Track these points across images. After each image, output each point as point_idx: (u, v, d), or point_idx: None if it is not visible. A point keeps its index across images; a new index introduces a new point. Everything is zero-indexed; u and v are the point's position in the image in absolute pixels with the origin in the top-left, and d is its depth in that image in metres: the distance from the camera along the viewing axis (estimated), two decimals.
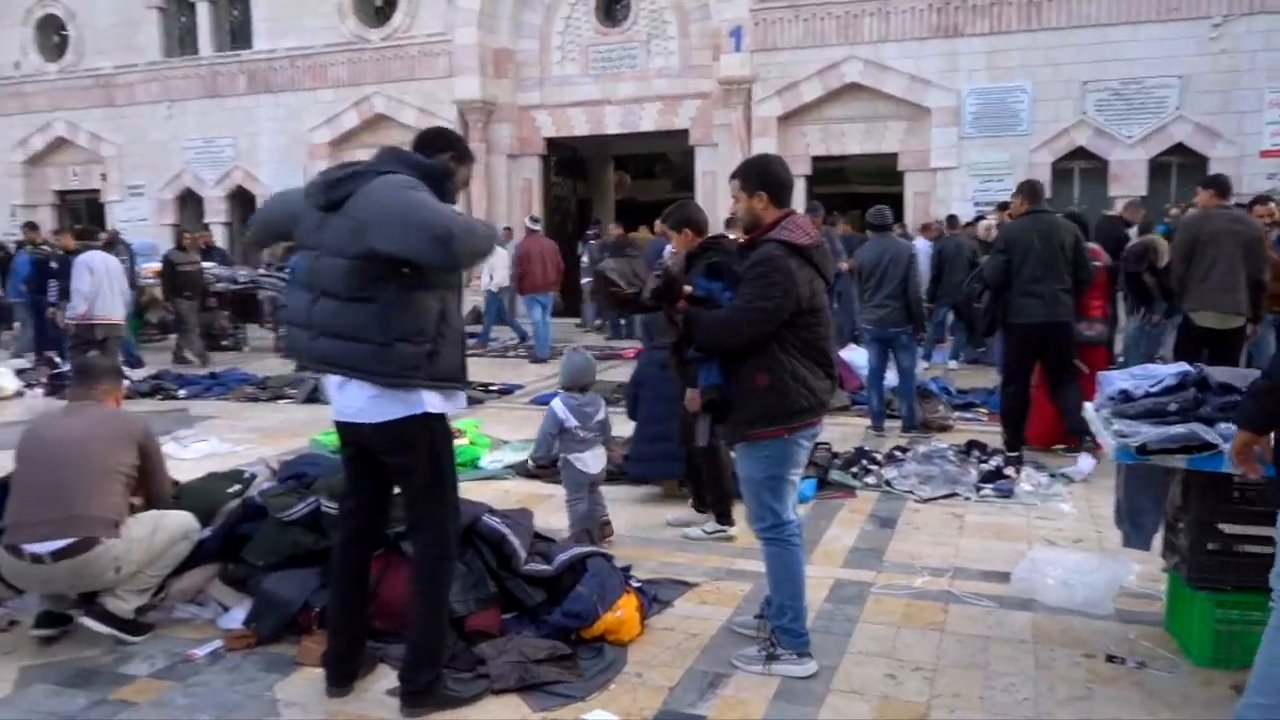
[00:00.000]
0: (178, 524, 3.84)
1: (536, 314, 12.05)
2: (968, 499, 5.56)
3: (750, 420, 3.29)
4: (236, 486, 4.61)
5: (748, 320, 3.24)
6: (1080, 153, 13.65)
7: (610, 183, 20.19)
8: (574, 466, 4.69)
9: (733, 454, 3.60)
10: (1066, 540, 4.84)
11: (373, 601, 3.57)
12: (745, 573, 4.32)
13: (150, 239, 17.11)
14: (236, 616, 3.78)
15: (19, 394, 9.96)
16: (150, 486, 3.90)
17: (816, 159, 15.15)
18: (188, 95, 18.62)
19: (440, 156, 3.15)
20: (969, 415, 7.89)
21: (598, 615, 3.56)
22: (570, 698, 3.20)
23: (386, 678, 3.30)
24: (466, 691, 3.19)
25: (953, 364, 10.91)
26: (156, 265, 13.55)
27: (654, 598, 3.97)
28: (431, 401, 3.02)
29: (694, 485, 5.18)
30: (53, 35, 19.74)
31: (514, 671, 3.29)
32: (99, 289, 8.93)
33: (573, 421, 4.64)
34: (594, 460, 4.70)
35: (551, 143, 16.91)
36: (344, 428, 3.17)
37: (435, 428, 3.08)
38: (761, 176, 3.40)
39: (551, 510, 5.09)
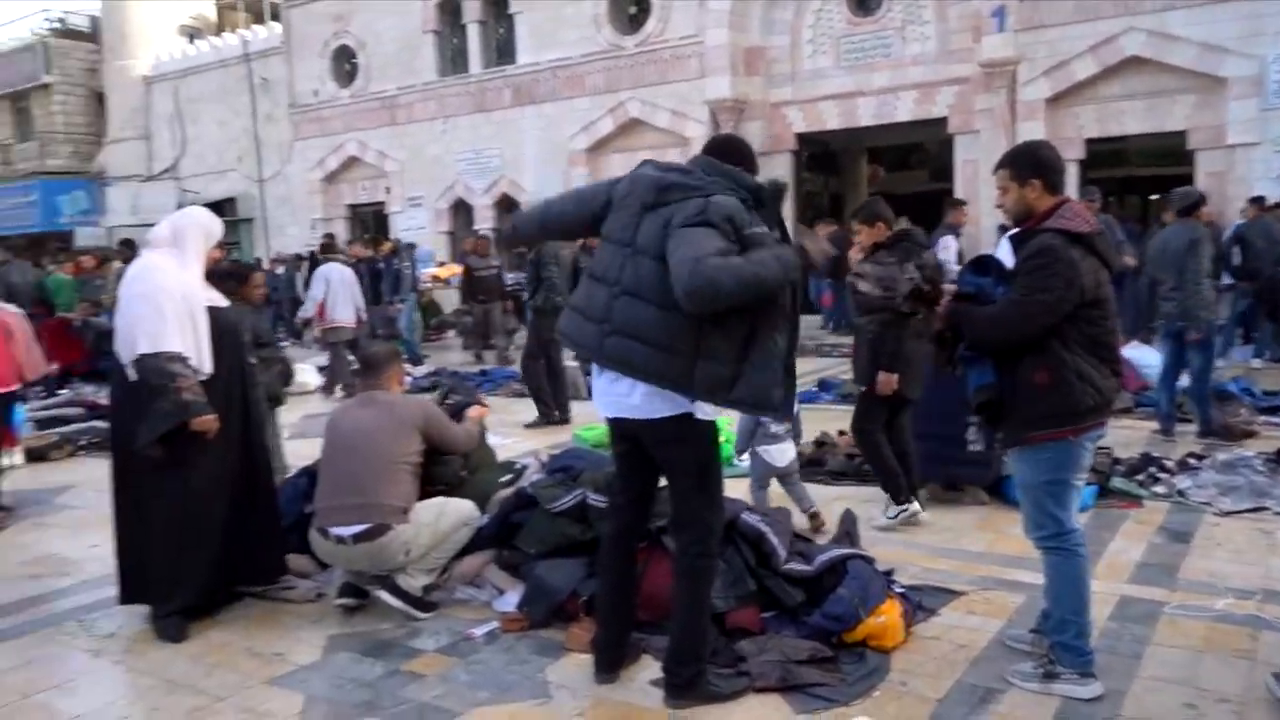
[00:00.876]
0: (460, 511, 4.11)
1: None
2: (1279, 514, 4.97)
3: (1030, 421, 3.09)
4: (508, 476, 4.91)
5: (1026, 314, 3.04)
6: None
7: (864, 176, 19.71)
8: (761, 458, 4.88)
9: (1005, 459, 3.42)
10: None
11: (637, 593, 3.67)
12: (1019, 583, 4.07)
13: (428, 246, 18.58)
14: (510, 600, 4.00)
15: (320, 389, 11.09)
16: (449, 451, 4.28)
17: (1091, 141, 14.06)
18: (460, 111, 19.97)
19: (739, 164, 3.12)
20: (1276, 419, 7.05)
21: (859, 619, 3.47)
22: (833, 701, 3.14)
23: (650, 668, 3.37)
24: (728, 687, 3.20)
25: (1256, 362, 9.81)
26: (434, 270, 14.67)
27: (918, 604, 3.82)
28: (703, 409, 3.04)
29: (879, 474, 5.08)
30: (345, 64, 21.78)
31: (775, 670, 3.27)
32: (335, 297, 10.02)
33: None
34: (780, 454, 4.86)
35: (803, 138, 16.73)
36: (615, 423, 3.23)
37: (705, 426, 3.10)
38: (1033, 163, 3.19)
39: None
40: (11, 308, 6.61)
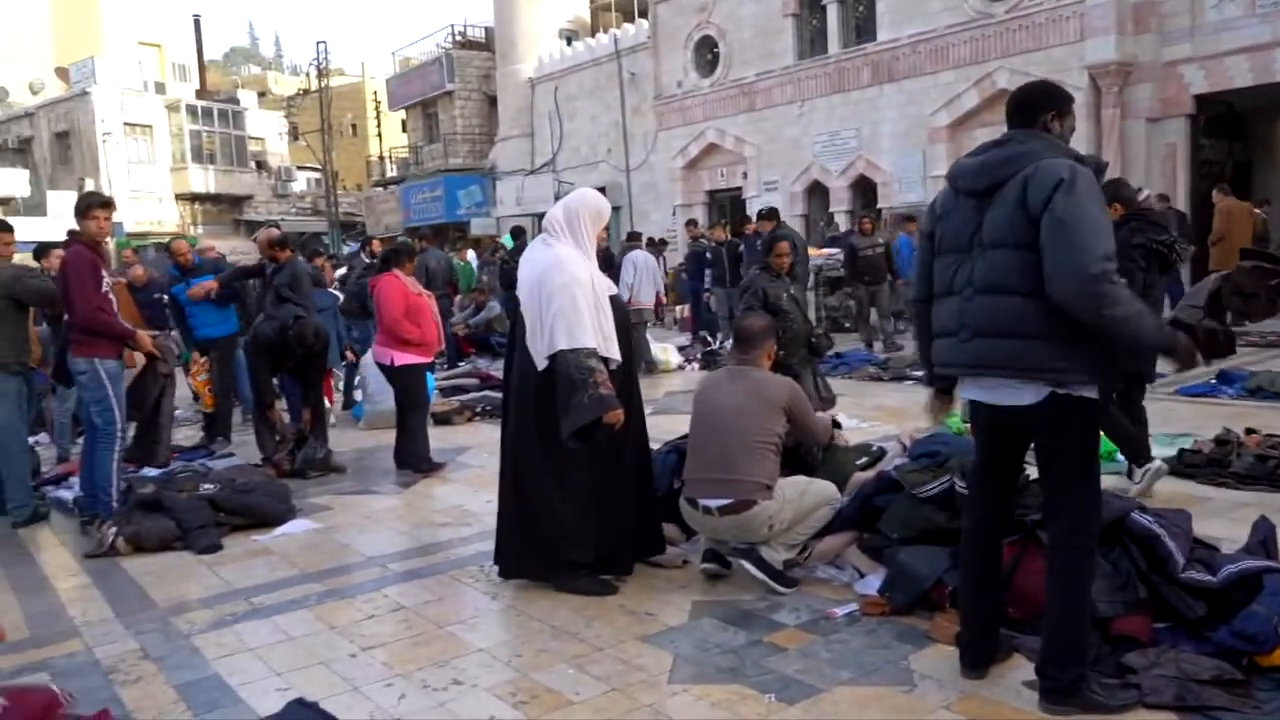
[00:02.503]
0: (822, 491, 4.13)
1: None
2: None
3: None
4: (864, 459, 4.85)
5: None
6: None
7: None
8: None
9: None
10: None
11: (1007, 588, 3.48)
12: None
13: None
14: (872, 584, 3.95)
15: (680, 368, 11.63)
16: (804, 439, 4.35)
17: None
18: (816, 93, 19.91)
19: (1044, 116, 2.96)
20: None
21: (1279, 641, 3.05)
22: None
23: (1023, 667, 3.18)
24: (1113, 699, 2.94)
25: None
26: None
27: None
28: (1085, 388, 2.84)
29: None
30: (706, 54, 22.49)
31: (1170, 687, 2.96)
32: (640, 282, 11.03)
33: None
34: None
35: (1201, 100, 14.87)
36: (983, 408, 3.08)
37: (1087, 409, 2.87)
38: None
39: (1207, 515, 4.49)
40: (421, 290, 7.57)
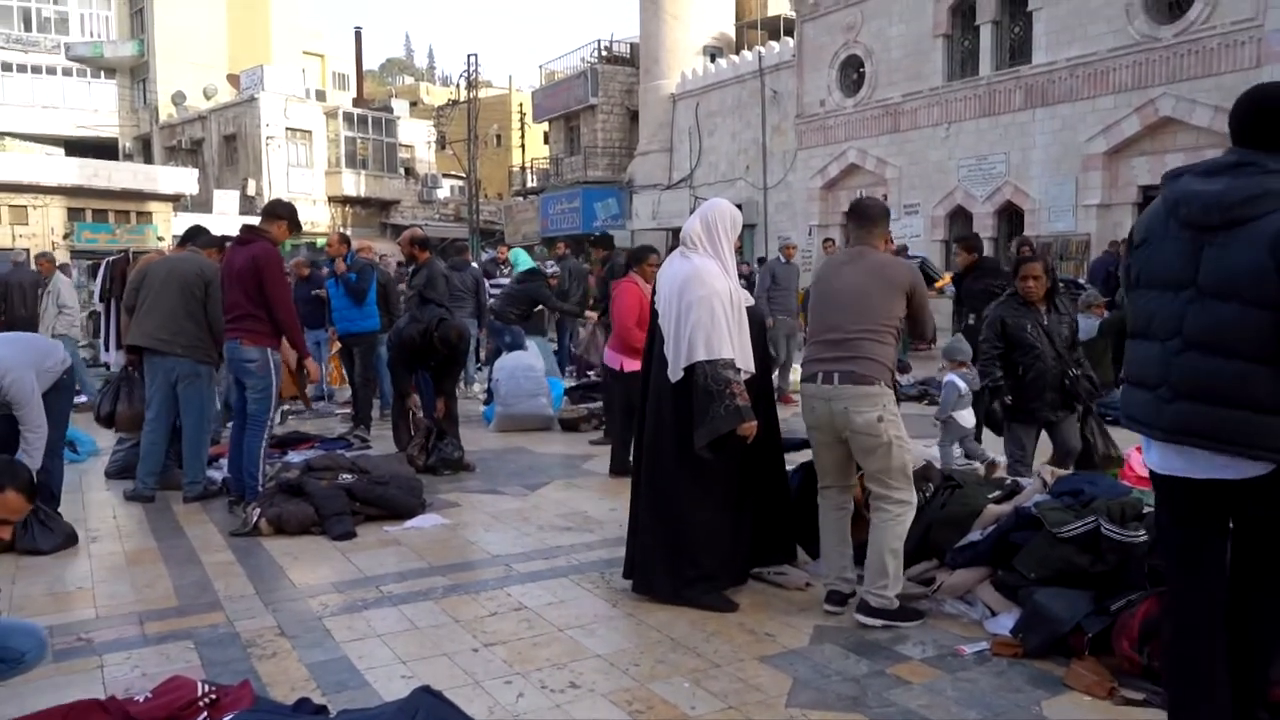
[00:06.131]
0: (910, 462, 4.03)
1: None
2: None
3: None
4: (997, 493, 4.65)
5: None
6: None
7: None
8: (957, 422, 6.35)
9: None
10: None
11: (1150, 641, 3.28)
12: None
13: (920, 252, 18.28)
14: (1004, 623, 3.78)
15: None
16: (918, 327, 4.15)
17: None
18: (964, 116, 19.42)
19: None
20: None
21: None
22: None
23: None
24: None
25: None
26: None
27: None
28: None
29: None
30: (852, 73, 22.23)
31: None
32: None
33: (963, 389, 6.27)
34: (967, 418, 6.32)
35: None
36: (1173, 482, 2.55)
37: None
38: None
39: None
40: None
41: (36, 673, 3.20)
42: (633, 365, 6.59)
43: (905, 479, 3.95)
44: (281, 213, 6.07)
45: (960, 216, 19.81)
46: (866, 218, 4.18)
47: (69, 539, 5.21)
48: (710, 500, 4.18)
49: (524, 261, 11.92)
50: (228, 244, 6.47)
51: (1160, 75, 16.03)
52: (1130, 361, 2.62)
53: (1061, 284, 11.91)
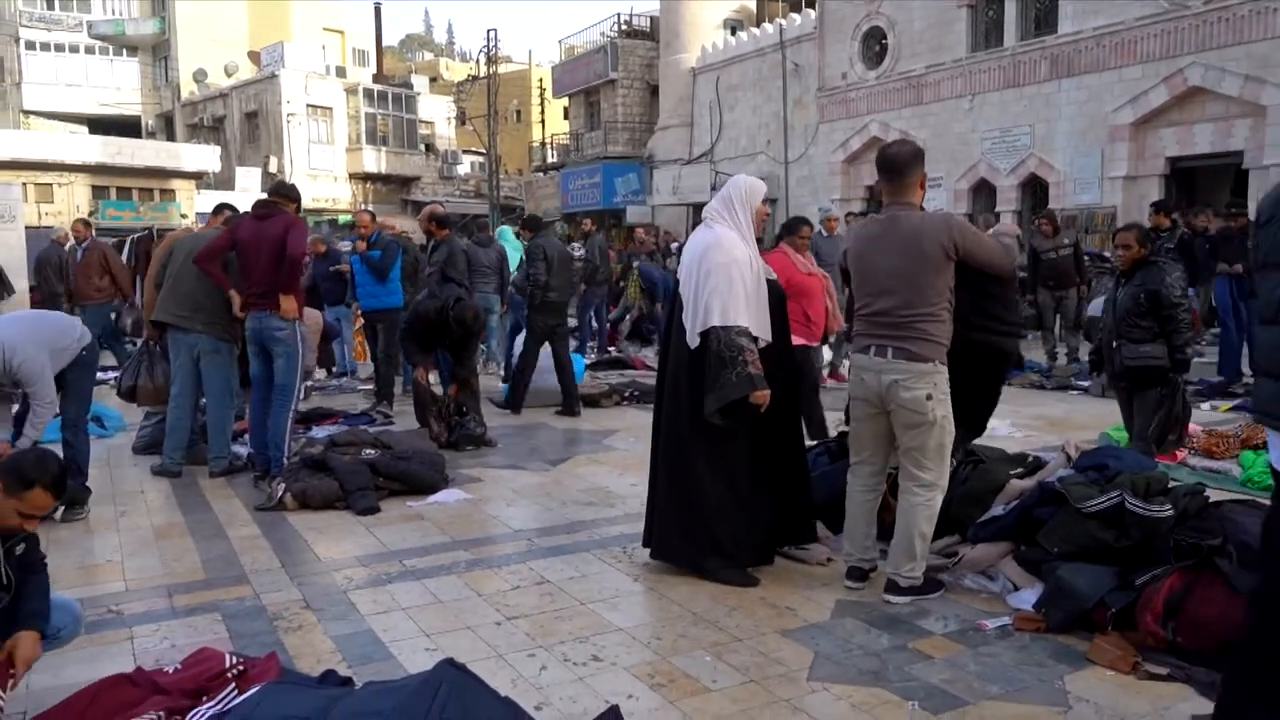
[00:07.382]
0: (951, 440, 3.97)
1: None
2: None
3: None
4: (1019, 469, 4.63)
5: None
6: None
7: None
8: None
9: None
10: None
11: (1177, 616, 3.28)
12: None
13: None
14: (1026, 598, 3.78)
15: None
16: (984, 269, 3.89)
17: None
18: (989, 87, 19.14)
19: None
20: None
21: None
22: None
23: (1192, 700, 2.99)
24: None
25: None
26: None
27: None
28: None
29: None
30: (874, 46, 21.96)
31: None
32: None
33: None
34: None
35: None
36: None
37: None
38: None
39: None
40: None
41: (69, 644, 3.26)
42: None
43: (940, 461, 3.88)
44: (294, 195, 6.29)
45: (984, 189, 19.60)
46: (895, 170, 3.87)
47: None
48: (721, 470, 4.18)
49: (510, 240, 11.78)
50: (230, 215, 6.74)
51: (1189, 44, 15.73)
52: (1260, 349, 2.42)
53: (1086, 257, 11.87)
